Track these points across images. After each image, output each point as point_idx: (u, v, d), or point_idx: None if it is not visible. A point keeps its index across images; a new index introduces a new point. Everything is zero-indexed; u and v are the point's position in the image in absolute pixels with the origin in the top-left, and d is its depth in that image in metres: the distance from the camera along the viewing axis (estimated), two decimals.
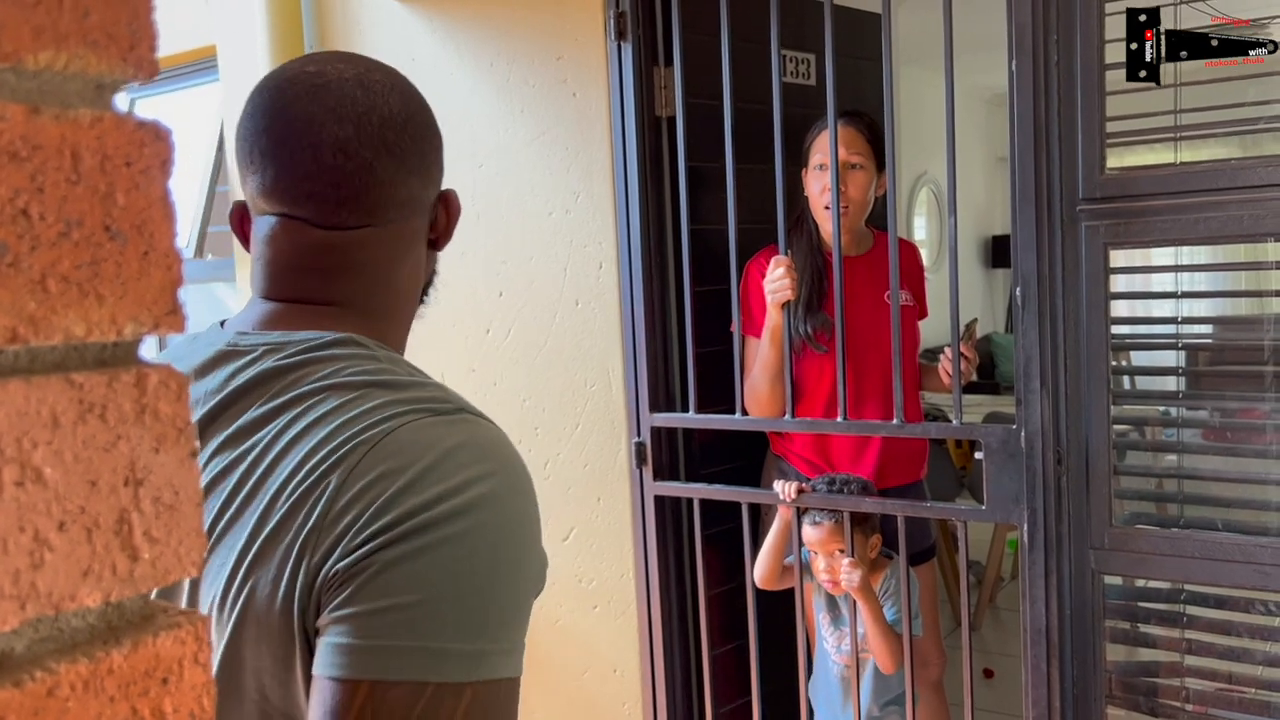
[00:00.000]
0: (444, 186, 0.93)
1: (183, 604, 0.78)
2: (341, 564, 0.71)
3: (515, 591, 0.75)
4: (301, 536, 0.72)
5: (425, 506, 0.71)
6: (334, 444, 0.75)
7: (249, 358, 0.82)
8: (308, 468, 0.74)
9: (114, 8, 0.37)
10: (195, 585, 0.78)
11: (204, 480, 0.78)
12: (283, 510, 0.74)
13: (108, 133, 0.37)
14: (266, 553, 0.74)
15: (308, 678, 0.73)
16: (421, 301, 0.96)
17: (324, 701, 0.69)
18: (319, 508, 0.72)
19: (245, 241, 0.90)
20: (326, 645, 0.70)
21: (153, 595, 0.40)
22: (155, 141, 0.39)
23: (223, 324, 0.89)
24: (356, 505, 0.72)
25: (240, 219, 0.90)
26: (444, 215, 0.92)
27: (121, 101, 0.39)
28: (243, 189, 0.88)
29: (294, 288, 0.86)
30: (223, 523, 0.77)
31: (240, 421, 0.80)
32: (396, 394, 0.78)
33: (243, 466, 0.78)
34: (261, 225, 0.87)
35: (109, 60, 0.37)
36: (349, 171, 0.83)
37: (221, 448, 0.80)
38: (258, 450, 0.78)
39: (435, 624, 0.69)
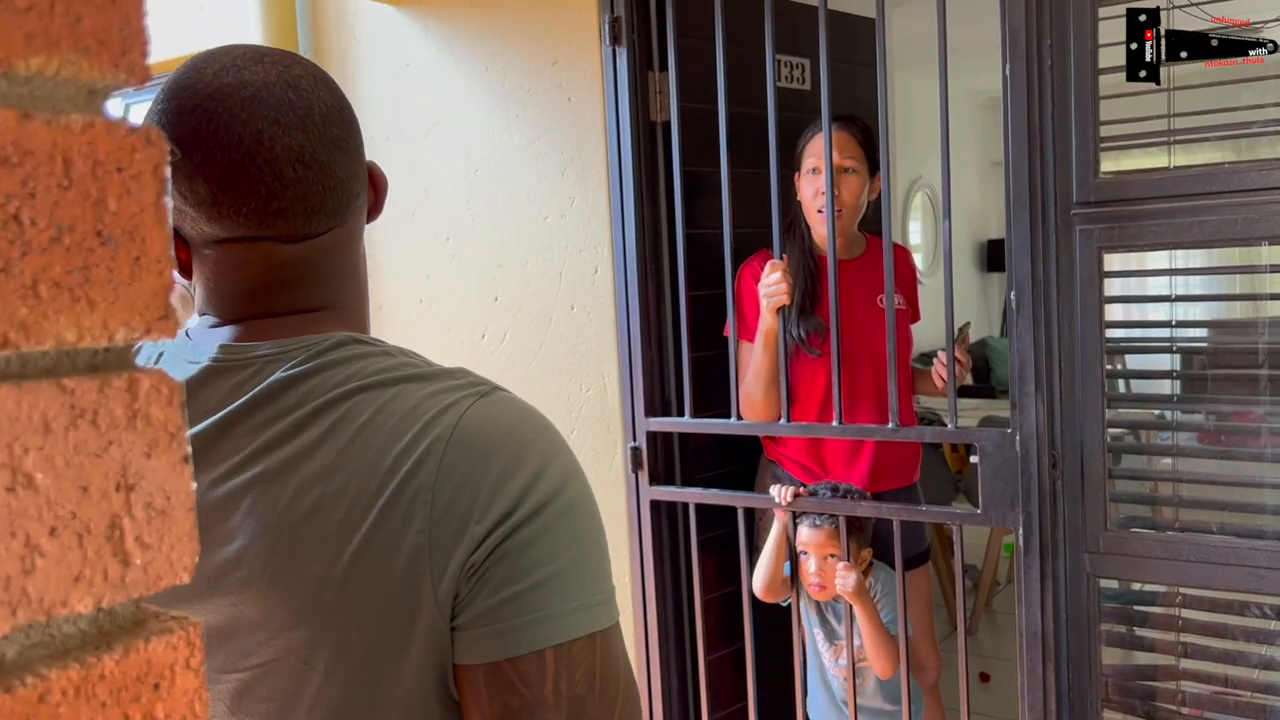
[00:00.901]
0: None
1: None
2: (475, 556, 0.75)
3: (604, 540, 0.83)
4: (411, 544, 0.75)
5: (528, 489, 0.76)
6: (403, 445, 0.76)
7: (251, 370, 0.80)
8: (383, 472, 0.75)
9: (105, 13, 0.37)
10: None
11: (244, 501, 0.77)
12: (372, 519, 0.75)
13: (99, 138, 0.37)
14: (364, 561, 0.75)
15: (431, 673, 0.77)
16: None
17: (511, 680, 0.75)
18: (421, 510, 0.75)
19: (183, 269, 0.85)
20: (491, 631, 0.75)
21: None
22: (147, 147, 0.39)
23: (187, 334, 0.86)
24: (461, 502, 0.75)
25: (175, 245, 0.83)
26: (372, 190, 0.90)
27: (114, 106, 0.39)
28: (177, 218, 0.81)
29: (268, 304, 0.83)
30: (285, 540, 0.76)
31: (264, 436, 0.78)
32: (433, 385, 0.80)
33: (293, 481, 0.76)
34: (216, 253, 0.82)
35: (101, 66, 0.37)
36: (311, 180, 0.80)
37: (246, 464, 0.77)
38: (299, 462, 0.77)
39: (579, 584, 0.77)
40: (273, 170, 0.78)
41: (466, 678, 0.76)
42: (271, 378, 0.79)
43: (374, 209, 0.91)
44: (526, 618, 0.75)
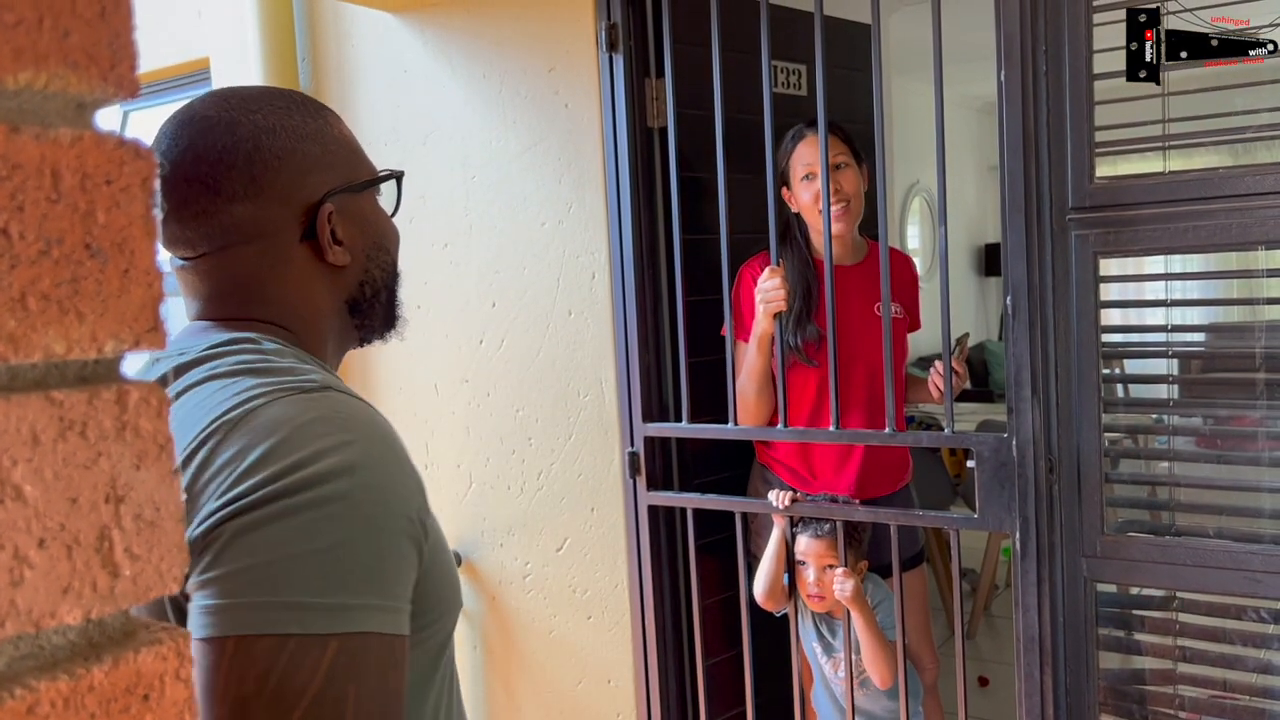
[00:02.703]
0: (332, 198, 0.95)
1: None
2: (198, 531, 0.75)
3: (376, 551, 0.77)
4: None
5: (278, 476, 0.75)
6: (200, 426, 0.80)
7: (164, 362, 0.90)
8: (179, 451, 0.79)
9: (94, 28, 0.37)
10: None
11: None
12: None
13: (88, 151, 0.38)
14: None
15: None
16: (357, 312, 0.99)
17: (199, 662, 0.73)
18: (183, 484, 0.76)
19: None
20: (193, 609, 0.74)
21: None
22: (135, 160, 0.39)
23: None
24: (216, 479, 0.76)
25: None
26: (322, 229, 0.94)
27: (103, 119, 0.40)
28: None
29: (194, 313, 0.95)
30: None
31: None
32: (265, 379, 0.83)
33: None
34: None
35: (89, 80, 0.37)
36: (170, 209, 0.90)
37: None
38: None
39: (292, 580, 0.73)
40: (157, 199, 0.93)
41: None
42: (169, 363, 0.88)
43: (326, 248, 0.94)
44: (221, 600, 0.73)
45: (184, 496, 0.76)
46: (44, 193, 0.36)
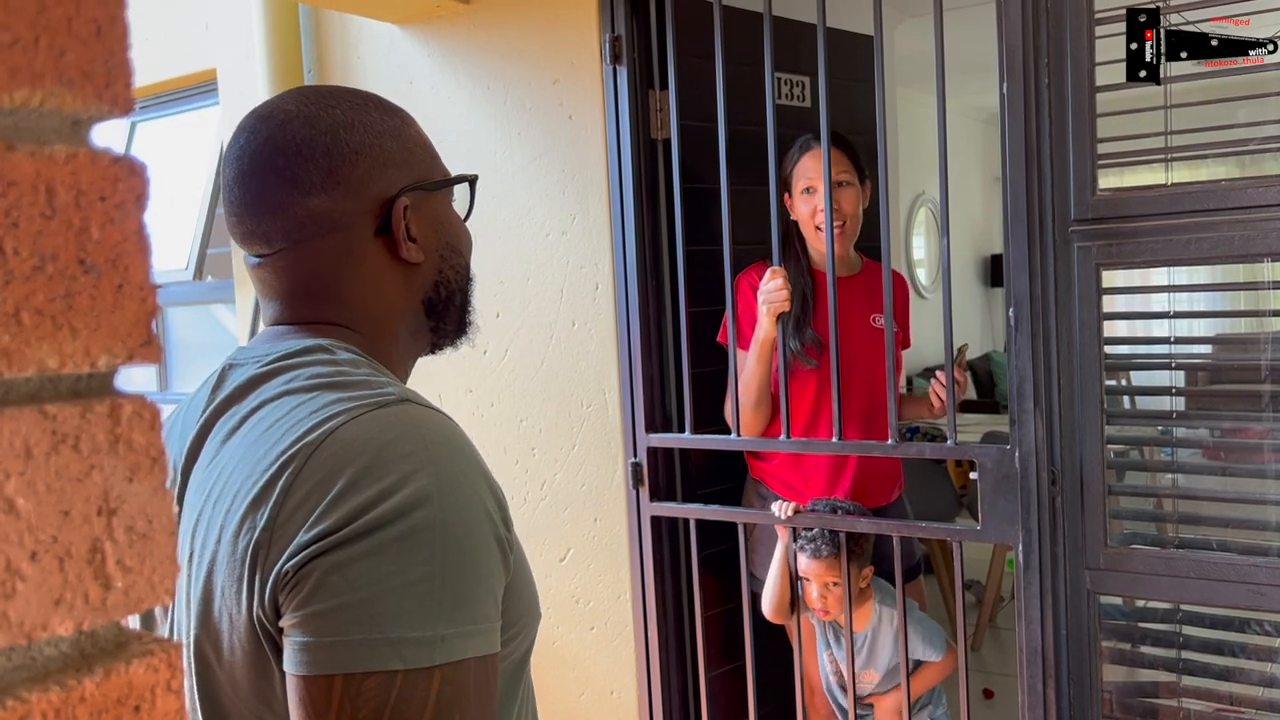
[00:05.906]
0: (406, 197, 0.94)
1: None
2: (290, 564, 0.75)
3: (467, 575, 0.77)
4: (254, 539, 0.77)
5: (364, 509, 0.75)
6: (281, 447, 0.80)
7: (240, 369, 0.90)
8: (259, 472, 0.80)
9: (90, 47, 0.38)
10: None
11: (195, 482, 0.86)
12: (239, 514, 0.79)
13: (82, 168, 0.38)
14: (228, 555, 0.79)
15: (279, 673, 0.77)
16: (433, 313, 0.99)
17: (304, 699, 0.73)
18: (268, 511, 0.77)
19: None
20: (293, 644, 0.74)
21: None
22: (130, 176, 0.39)
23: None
24: (303, 508, 0.76)
25: None
26: (396, 224, 0.93)
27: (99, 136, 0.40)
28: None
29: (271, 316, 0.94)
30: (200, 523, 0.83)
31: (224, 430, 0.87)
32: (343, 393, 0.82)
33: (216, 470, 0.85)
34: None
35: (84, 97, 0.38)
36: (248, 202, 0.90)
37: (214, 457, 0.86)
38: (226, 457, 0.84)
39: (390, 616, 0.73)
40: (228, 195, 0.91)
41: (286, 683, 0.77)
42: (247, 373, 0.89)
43: (400, 243, 0.93)
44: (322, 639, 0.73)
45: (266, 521, 0.77)
46: (38, 209, 0.37)
